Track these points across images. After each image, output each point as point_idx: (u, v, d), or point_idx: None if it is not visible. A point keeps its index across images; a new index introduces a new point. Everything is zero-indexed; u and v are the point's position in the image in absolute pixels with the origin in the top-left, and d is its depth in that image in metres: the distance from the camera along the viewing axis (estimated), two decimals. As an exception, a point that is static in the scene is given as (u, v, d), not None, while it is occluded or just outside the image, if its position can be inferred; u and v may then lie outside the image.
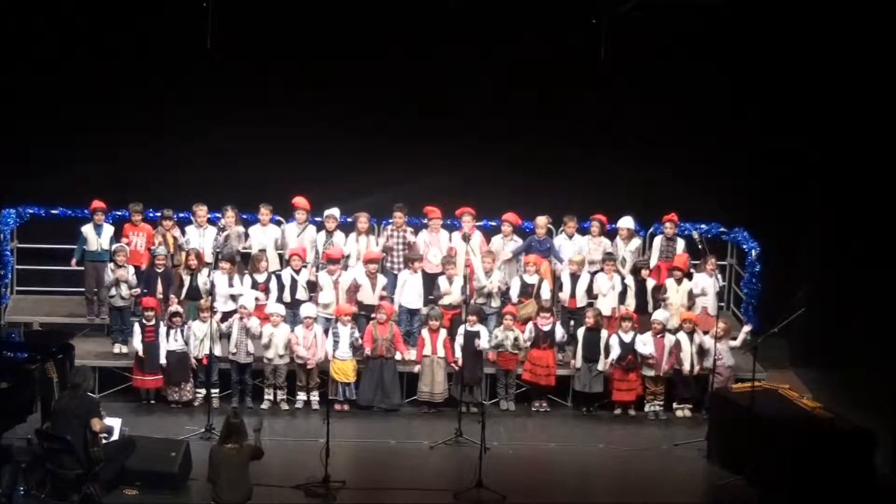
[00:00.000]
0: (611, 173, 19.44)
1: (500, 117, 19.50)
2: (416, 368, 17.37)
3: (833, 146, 18.56)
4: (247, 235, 18.32)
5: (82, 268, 18.18)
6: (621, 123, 19.47)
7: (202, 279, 17.58)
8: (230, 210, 18.20)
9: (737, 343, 17.55)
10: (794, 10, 18.66)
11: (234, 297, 17.52)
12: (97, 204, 18.08)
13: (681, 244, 18.57)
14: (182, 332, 17.02)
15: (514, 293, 17.88)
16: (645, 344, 17.32)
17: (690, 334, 17.42)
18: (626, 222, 18.63)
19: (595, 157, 19.48)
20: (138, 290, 17.49)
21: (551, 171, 19.41)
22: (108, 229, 18.12)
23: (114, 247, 17.80)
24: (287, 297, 17.60)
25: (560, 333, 17.54)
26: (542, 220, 18.43)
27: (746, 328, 17.86)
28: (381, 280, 17.81)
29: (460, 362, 17.13)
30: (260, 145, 19.26)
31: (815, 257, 19.08)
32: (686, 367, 17.36)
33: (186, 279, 17.63)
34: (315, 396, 17.39)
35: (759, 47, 19.30)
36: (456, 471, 15.66)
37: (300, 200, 18.26)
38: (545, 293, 17.82)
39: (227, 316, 17.36)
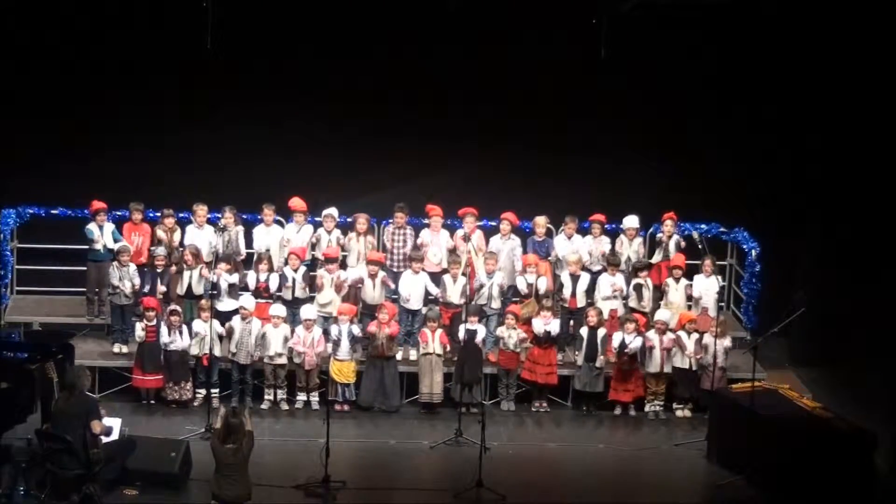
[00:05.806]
0: (611, 173, 19.42)
1: (500, 117, 19.48)
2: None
3: (833, 146, 18.56)
4: (247, 235, 18.33)
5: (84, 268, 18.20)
6: (621, 123, 19.46)
7: (197, 277, 17.57)
8: (228, 211, 18.19)
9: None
10: (795, 9, 18.65)
11: (234, 298, 17.52)
12: (98, 204, 18.03)
13: (673, 243, 18.50)
14: (181, 331, 17.02)
15: (522, 291, 17.89)
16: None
17: (690, 335, 17.44)
18: (632, 221, 18.55)
19: (595, 158, 19.46)
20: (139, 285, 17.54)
21: (551, 171, 19.40)
22: (110, 228, 18.10)
23: (117, 246, 17.78)
24: (287, 295, 17.63)
25: (559, 330, 17.54)
26: (540, 220, 18.42)
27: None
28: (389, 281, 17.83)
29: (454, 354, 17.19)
30: (260, 145, 19.25)
31: (815, 257, 19.07)
32: (686, 363, 17.38)
33: (186, 277, 17.62)
34: (315, 397, 17.39)
35: (759, 47, 19.30)
36: (456, 471, 15.67)
37: (297, 202, 18.25)
38: (544, 292, 17.82)
39: (226, 316, 17.36)
